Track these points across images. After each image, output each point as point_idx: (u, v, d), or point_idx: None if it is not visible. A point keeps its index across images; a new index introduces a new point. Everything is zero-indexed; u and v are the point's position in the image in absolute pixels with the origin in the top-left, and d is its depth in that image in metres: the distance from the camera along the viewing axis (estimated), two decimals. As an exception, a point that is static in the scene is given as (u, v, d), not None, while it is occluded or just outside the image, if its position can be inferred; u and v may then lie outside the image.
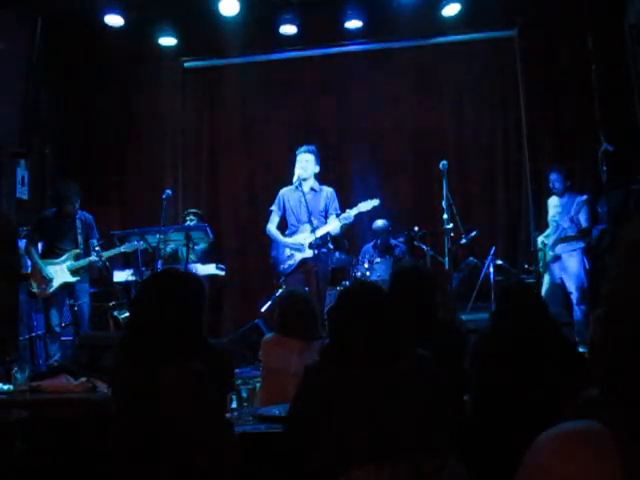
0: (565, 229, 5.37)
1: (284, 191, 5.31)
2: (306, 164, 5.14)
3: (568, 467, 0.70)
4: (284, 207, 5.26)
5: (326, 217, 5.16)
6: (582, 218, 5.34)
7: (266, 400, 2.96)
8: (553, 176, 5.57)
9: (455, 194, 5.32)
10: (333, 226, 5.03)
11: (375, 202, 5.11)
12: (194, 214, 6.38)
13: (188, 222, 6.24)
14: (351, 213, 4.99)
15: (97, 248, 5.27)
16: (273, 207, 5.31)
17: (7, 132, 5.97)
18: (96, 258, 5.24)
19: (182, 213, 6.83)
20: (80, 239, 5.39)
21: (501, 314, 2.65)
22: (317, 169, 5.24)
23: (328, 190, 5.28)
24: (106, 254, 5.29)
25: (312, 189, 5.19)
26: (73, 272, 5.27)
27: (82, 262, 5.30)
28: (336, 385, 1.85)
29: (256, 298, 6.33)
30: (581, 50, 6.06)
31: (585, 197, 5.34)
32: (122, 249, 5.26)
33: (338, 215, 5.06)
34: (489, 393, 2.46)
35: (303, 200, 5.01)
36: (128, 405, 1.87)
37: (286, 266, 5.11)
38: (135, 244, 5.19)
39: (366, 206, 5.07)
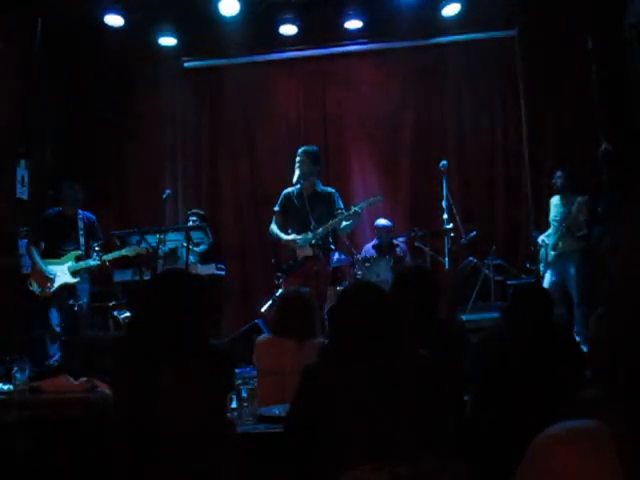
0: (566, 229, 5.37)
1: (287, 191, 5.32)
2: (305, 164, 5.15)
3: (568, 466, 0.70)
4: (287, 207, 5.26)
5: (327, 217, 5.16)
6: (582, 218, 5.34)
7: (264, 401, 2.96)
8: (558, 174, 5.61)
9: (455, 194, 5.33)
10: (334, 225, 5.03)
11: (379, 199, 5.16)
12: (196, 214, 6.37)
13: (190, 222, 6.24)
14: (356, 210, 4.99)
15: (97, 248, 5.27)
16: (276, 207, 5.32)
17: (7, 132, 5.97)
18: (96, 261, 5.23)
19: (182, 213, 6.83)
20: (82, 240, 5.38)
21: (512, 315, 2.65)
22: (317, 169, 5.25)
23: (330, 190, 5.28)
24: (107, 257, 5.28)
25: (314, 189, 5.20)
26: (73, 273, 5.27)
27: (83, 264, 5.30)
28: (336, 385, 1.85)
29: (256, 298, 6.33)
30: (581, 50, 6.06)
31: (586, 198, 5.35)
32: (124, 252, 5.25)
33: (342, 213, 5.07)
34: (490, 392, 2.46)
35: (305, 200, 5.02)
36: (128, 405, 1.87)
37: (287, 266, 5.12)
38: (136, 247, 5.18)
39: (369, 203, 5.10)
